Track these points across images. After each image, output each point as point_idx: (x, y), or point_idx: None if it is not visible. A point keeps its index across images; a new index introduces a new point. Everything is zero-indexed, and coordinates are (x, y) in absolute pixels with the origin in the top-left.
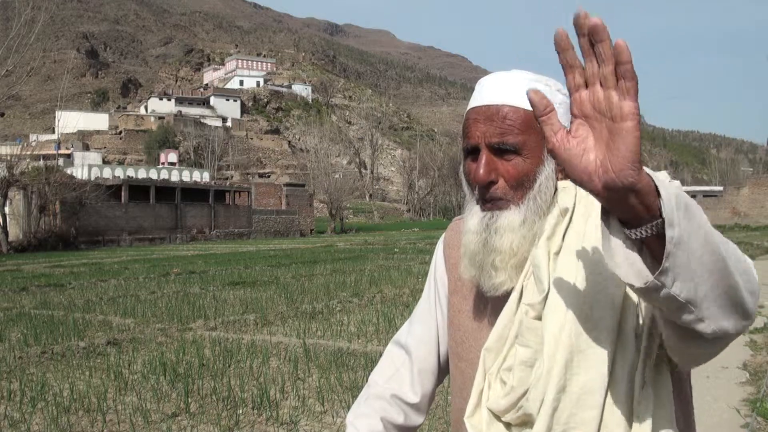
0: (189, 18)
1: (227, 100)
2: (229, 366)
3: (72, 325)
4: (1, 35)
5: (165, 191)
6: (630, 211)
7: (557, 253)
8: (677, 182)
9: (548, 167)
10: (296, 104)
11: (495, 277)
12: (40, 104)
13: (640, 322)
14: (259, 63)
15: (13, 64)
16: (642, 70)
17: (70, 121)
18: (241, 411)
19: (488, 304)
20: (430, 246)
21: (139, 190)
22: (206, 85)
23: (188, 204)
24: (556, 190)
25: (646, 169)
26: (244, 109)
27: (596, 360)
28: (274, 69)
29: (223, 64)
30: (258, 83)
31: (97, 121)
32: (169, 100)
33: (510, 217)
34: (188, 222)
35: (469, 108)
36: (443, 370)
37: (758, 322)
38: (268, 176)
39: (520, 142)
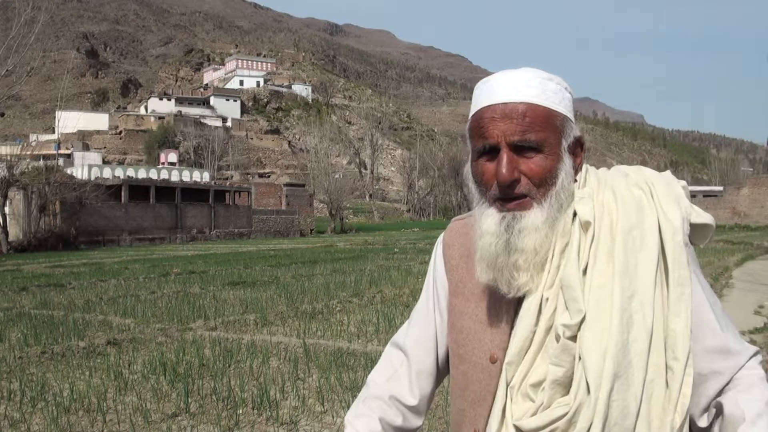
0: (189, 18)
1: (227, 100)
2: (229, 366)
3: (72, 325)
4: (1, 35)
5: (165, 191)
6: None
7: (585, 271)
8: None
9: (567, 163)
10: (296, 104)
11: (518, 278)
12: (40, 104)
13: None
14: (259, 63)
15: (13, 64)
16: (642, 68)
17: (70, 121)
18: (241, 411)
19: (491, 306)
20: (430, 246)
21: (139, 190)
22: (206, 85)
23: (188, 204)
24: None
25: None
26: (244, 109)
27: (631, 384)
28: (274, 69)
29: (223, 64)
30: (258, 83)
31: (97, 121)
32: (169, 100)
33: (533, 217)
34: (188, 222)
35: (481, 107)
36: (442, 372)
37: (758, 322)
38: (268, 176)
39: (541, 139)
